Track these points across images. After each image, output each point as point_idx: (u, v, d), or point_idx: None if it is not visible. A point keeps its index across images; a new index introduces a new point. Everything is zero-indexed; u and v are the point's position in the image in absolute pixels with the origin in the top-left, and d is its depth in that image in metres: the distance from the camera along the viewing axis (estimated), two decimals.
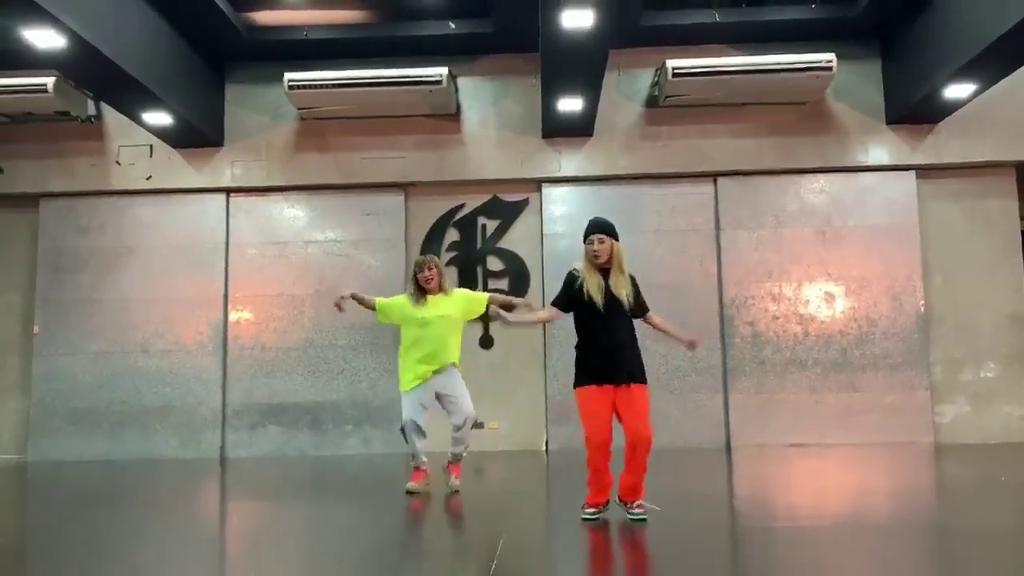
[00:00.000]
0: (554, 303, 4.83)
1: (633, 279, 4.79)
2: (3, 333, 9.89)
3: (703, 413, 9.33)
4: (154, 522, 5.38)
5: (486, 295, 6.31)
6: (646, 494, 4.66)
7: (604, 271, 4.68)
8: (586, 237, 4.73)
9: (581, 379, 4.66)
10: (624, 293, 4.65)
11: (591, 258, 4.68)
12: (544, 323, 4.87)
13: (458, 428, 5.94)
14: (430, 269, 5.99)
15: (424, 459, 5.95)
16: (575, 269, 4.75)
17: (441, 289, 6.03)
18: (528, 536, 4.73)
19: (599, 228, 4.70)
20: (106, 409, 9.48)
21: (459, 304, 6.05)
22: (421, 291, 5.98)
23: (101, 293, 9.67)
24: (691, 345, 5.01)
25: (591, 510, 4.66)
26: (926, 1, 8.41)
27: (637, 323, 4.81)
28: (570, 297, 4.70)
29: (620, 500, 4.67)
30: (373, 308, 6.13)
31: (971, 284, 9.48)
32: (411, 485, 5.92)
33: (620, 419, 4.59)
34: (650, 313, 4.88)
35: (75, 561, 4.18)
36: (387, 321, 6.18)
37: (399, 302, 6.10)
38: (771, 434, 9.21)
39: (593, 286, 4.62)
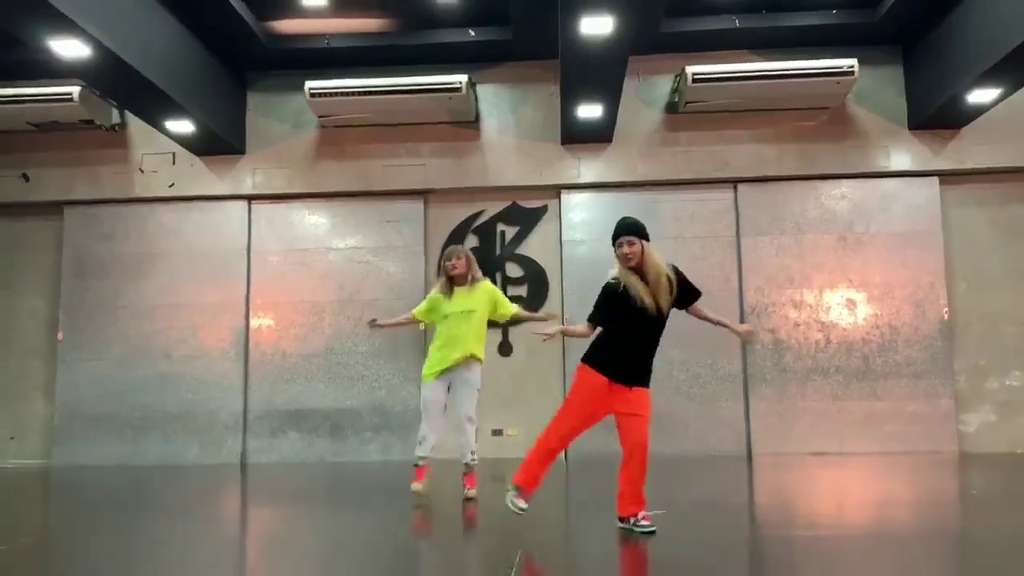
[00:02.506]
0: (589, 319, 4.69)
1: (676, 270, 4.64)
2: (28, 339, 10.01)
3: (723, 421, 9.27)
4: (175, 527, 5.42)
5: (514, 308, 6.20)
6: (657, 503, 4.61)
7: (639, 273, 4.55)
8: (615, 240, 4.60)
9: (597, 364, 4.57)
10: (664, 300, 4.53)
11: (623, 261, 4.55)
12: (573, 336, 4.82)
13: (460, 432, 6.02)
14: (458, 258, 6.04)
15: (427, 452, 6.01)
16: (613, 278, 4.61)
17: (468, 280, 6.06)
18: (546, 546, 4.71)
19: (628, 230, 4.59)
20: (129, 414, 9.57)
21: (483, 300, 6.05)
22: (449, 281, 6.04)
23: (124, 299, 9.78)
24: (747, 335, 4.77)
25: (523, 504, 4.68)
26: (949, 5, 8.34)
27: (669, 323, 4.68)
28: (611, 308, 4.57)
29: (622, 518, 4.56)
30: (413, 321, 6.26)
31: (996, 291, 9.36)
32: (414, 486, 6.01)
33: (620, 420, 4.54)
34: (695, 305, 4.69)
35: (97, 563, 4.21)
36: (431, 318, 6.15)
37: (433, 299, 6.15)
38: (792, 442, 9.13)
39: (640, 289, 4.49)
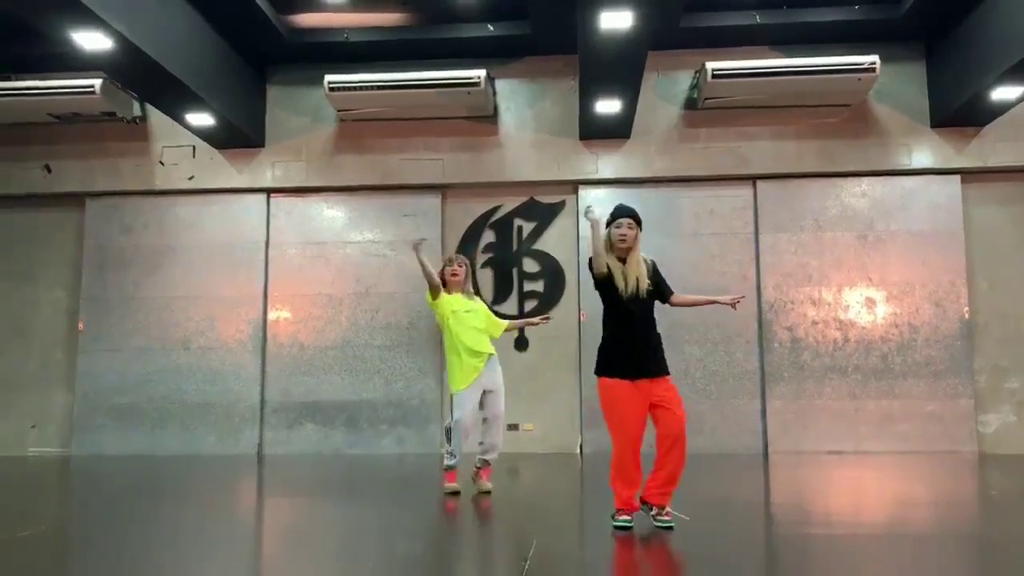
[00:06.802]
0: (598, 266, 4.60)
1: (653, 263, 4.71)
2: (50, 329, 10.11)
3: (740, 419, 9.23)
4: (193, 516, 5.46)
5: (505, 322, 6.30)
6: (674, 502, 4.60)
7: (622, 260, 4.60)
8: (613, 220, 4.65)
9: (609, 370, 4.53)
10: (644, 284, 4.55)
11: (617, 242, 4.59)
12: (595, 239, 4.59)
13: (491, 433, 5.99)
14: (460, 265, 6.09)
15: (457, 459, 5.98)
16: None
17: (463, 291, 6.09)
18: (561, 538, 4.72)
19: (628, 213, 4.65)
20: (148, 405, 9.65)
21: (482, 306, 6.16)
22: (444, 284, 6.02)
23: (144, 291, 9.86)
24: (733, 304, 4.81)
25: (625, 517, 4.50)
26: (972, 2, 8.25)
27: (666, 311, 4.73)
28: (604, 292, 4.60)
29: (645, 502, 4.56)
30: (431, 283, 5.97)
31: (1017, 290, 9.27)
32: (450, 486, 5.96)
33: (654, 412, 4.50)
34: (675, 295, 4.76)
35: (115, 551, 4.26)
36: (433, 306, 6.06)
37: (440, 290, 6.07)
38: (809, 441, 9.09)
39: (618, 272, 4.54)
